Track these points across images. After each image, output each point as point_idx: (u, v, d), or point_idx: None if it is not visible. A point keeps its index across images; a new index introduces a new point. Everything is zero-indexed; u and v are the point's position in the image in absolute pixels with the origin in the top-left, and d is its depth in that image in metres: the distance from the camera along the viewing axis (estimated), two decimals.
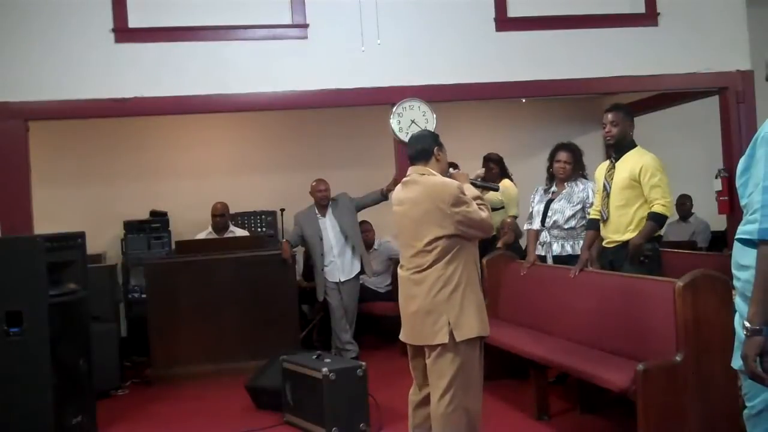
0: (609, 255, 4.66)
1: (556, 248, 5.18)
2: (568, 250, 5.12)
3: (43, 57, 5.89)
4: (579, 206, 5.12)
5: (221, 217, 7.02)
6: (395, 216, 3.64)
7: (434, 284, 3.38)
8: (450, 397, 3.36)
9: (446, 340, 3.34)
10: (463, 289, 3.37)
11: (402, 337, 3.61)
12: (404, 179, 3.63)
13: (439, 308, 3.36)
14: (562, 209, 5.17)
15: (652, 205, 4.41)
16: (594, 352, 4.20)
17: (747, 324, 2.18)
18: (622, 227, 4.52)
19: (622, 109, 4.67)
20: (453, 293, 3.36)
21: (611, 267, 4.62)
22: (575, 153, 5.31)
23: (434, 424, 3.44)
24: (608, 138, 4.64)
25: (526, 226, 5.50)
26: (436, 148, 3.59)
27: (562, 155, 5.26)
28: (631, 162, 4.52)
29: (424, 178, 3.51)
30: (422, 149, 3.58)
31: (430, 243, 3.39)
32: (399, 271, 3.62)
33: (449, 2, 6.49)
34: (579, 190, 5.18)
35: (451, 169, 3.69)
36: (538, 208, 5.33)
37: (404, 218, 3.55)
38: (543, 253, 5.27)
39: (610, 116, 4.61)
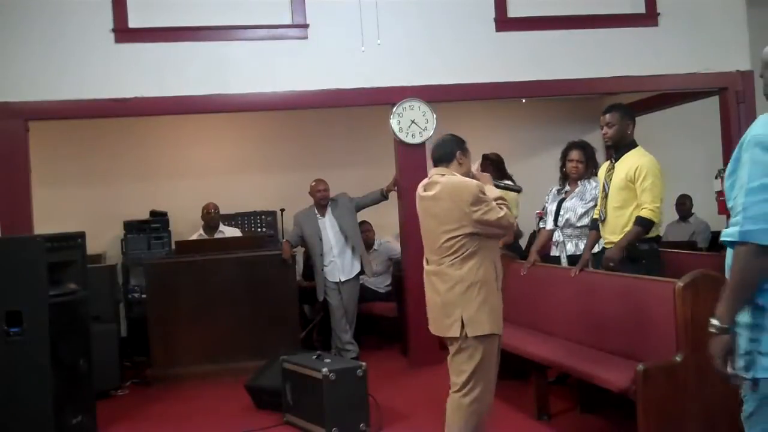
0: None
1: (570, 247, 5.14)
2: (582, 248, 5.04)
3: (43, 57, 5.88)
4: (591, 204, 5.04)
5: (214, 213, 7.07)
6: (418, 213, 3.73)
7: (451, 280, 3.47)
8: (467, 391, 3.49)
9: (458, 334, 3.44)
10: (479, 286, 3.45)
11: (429, 325, 3.72)
12: (425, 180, 3.69)
13: (454, 303, 3.46)
14: (574, 207, 5.14)
15: (641, 209, 4.39)
16: (594, 352, 4.21)
17: (715, 322, 2.18)
18: (618, 228, 4.49)
19: (618, 110, 4.62)
20: (468, 290, 3.44)
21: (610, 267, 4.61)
22: (587, 151, 5.28)
23: (449, 414, 3.56)
24: (606, 140, 4.63)
25: (540, 225, 5.48)
26: (458, 152, 3.65)
27: (574, 154, 5.24)
28: (629, 163, 4.49)
29: (445, 178, 3.57)
30: (444, 153, 3.65)
31: (448, 240, 3.48)
32: (424, 264, 3.71)
33: (449, 2, 6.48)
34: (592, 188, 5.12)
35: (473, 171, 3.71)
36: (551, 207, 5.31)
37: (425, 215, 3.65)
38: (557, 254, 5.23)
39: (606, 117, 4.58)
